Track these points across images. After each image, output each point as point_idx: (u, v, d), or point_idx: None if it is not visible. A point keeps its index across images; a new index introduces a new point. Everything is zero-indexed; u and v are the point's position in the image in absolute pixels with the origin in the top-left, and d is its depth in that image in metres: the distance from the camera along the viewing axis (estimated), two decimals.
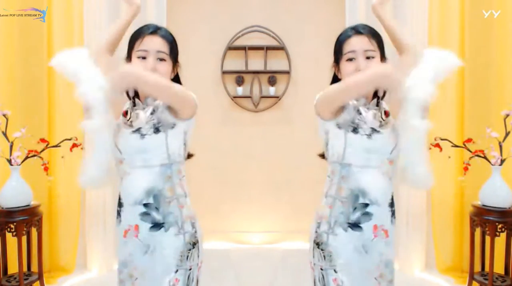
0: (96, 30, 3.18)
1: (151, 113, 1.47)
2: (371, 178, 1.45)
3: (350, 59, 1.52)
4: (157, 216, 1.45)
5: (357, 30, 1.53)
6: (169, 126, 1.47)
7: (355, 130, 1.45)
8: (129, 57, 1.56)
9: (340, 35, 1.57)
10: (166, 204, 1.45)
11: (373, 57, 1.51)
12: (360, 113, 1.47)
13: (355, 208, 1.45)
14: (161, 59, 1.52)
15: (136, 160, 1.45)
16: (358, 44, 1.51)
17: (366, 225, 1.45)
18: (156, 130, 1.45)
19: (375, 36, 1.53)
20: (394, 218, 1.54)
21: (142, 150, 1.44)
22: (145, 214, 1.44)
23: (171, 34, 1.58)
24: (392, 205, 1.52)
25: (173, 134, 1.47)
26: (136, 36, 1.54)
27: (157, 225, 1.45)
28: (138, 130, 1.45)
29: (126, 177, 1.47)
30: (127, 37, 1.60)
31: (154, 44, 1.52)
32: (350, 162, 1.46)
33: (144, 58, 1.51)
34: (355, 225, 1.45)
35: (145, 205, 1.44)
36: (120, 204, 1.52)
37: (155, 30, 1.54)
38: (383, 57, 1.55)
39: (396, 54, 1.66)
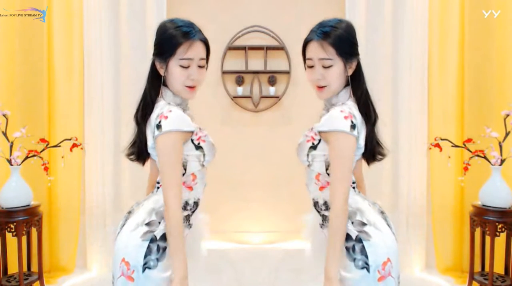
0: (96, 30, 3.19)
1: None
2: None
3: (310, 66, 1.45)
4: None
5: (316, 34, 1.42)
6: None
7: None
8: (162, 59, 1.41)
9: (307, 35, 1.47)
10: None
11: (330, 66, 1.41)
12: None
13: None
14: (200, 66, 1.43)
15: None
16: (313, 52, 1.42)
17: None
18: None
19: (334, 40, 1.39)
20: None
21: None
22: None
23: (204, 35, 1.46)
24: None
25: None
26: (179, 41, 1.38)
27: None
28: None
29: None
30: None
31: (198, 52, 1.41)
32: None
33: (185, 66, 1.39)
34: None
35: None
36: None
37: (199, 34, 1.41)
38: (350, 60, 1.42)
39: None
